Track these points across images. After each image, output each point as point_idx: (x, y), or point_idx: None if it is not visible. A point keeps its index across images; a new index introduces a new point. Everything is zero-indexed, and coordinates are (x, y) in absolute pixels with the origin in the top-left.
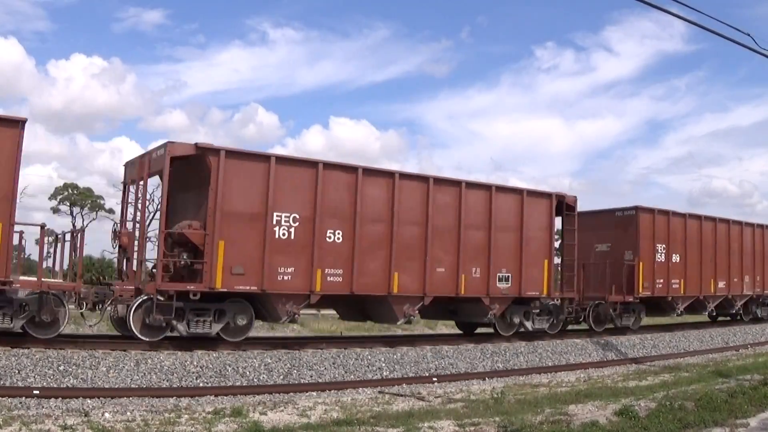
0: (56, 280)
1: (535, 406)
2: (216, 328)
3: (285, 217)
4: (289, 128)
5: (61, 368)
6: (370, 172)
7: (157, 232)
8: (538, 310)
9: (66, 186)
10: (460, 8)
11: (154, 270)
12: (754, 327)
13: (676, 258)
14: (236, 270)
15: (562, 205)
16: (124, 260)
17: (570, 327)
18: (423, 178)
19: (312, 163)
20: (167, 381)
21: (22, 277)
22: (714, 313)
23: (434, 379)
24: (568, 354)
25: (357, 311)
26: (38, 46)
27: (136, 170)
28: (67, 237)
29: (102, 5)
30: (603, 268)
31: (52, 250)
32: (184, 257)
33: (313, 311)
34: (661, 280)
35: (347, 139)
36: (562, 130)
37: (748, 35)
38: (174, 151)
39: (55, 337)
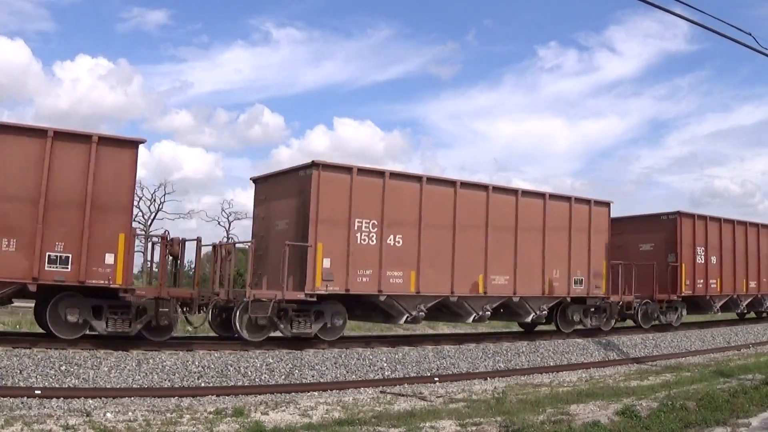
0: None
1: (537, 406)
2: None
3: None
4: (294, 129)
5: (63, 368)
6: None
7: None
8: None
9: None
10: (466, 11)
11: None
12: (755, 326)
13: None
14: None
15: None
16: None
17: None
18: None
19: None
20: (169, 381)
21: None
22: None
23: (436, 378)
24: (569, 354)
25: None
26: (42, 46)
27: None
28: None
29: (106, 5)
30: None
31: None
32: None
33: None
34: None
35: (351, 139)
36: (565, 130)
37: (750, 35)
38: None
39: (57, 337)
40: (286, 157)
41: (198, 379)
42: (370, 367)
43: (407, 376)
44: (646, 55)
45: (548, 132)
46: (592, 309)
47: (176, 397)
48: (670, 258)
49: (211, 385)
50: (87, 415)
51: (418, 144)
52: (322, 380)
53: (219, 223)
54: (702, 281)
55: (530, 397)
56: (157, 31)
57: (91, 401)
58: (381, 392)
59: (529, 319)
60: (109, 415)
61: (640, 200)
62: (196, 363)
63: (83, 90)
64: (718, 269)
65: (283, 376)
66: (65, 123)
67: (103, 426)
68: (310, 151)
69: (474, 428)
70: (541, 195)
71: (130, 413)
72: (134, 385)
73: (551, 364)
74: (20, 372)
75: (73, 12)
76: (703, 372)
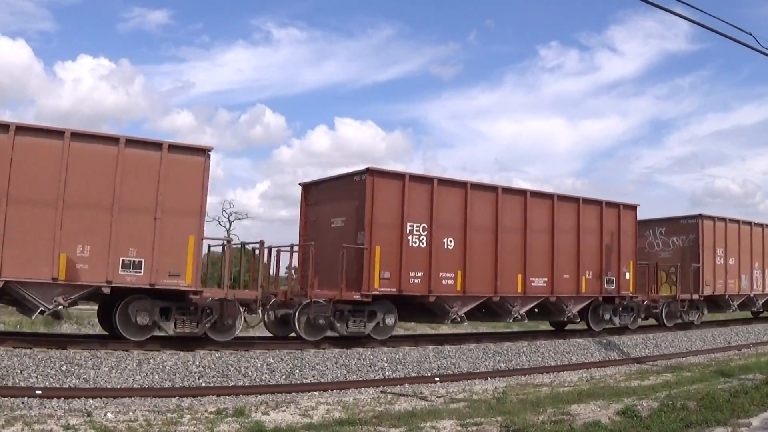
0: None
1: (538, 406)
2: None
3: None
4: (295, 129)
5: (64, 368)
6: None
7: None
8: None
9: None
10: (467, 11)
11: None
12: (756, 326)
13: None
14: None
15: None
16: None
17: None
18: None
19: None
20: (169, 381)
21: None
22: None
23: (436, 378)
24: (570, 354)
25: None
26: (43, 46)
27: None
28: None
29: (107, 5)
30: None
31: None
32: None
33: None
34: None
35: (353, 139)
36: (566, 130)
37: (750, 35)
38: None
39: (57, 336)
40: (288, 158)
41: (198, 379)
42: (370, 367)
43: (408, 376)
44: (647, 54)
45: (549, 132)
46: (180, 308)
47: (177, 397)
48: (360, 238)
49: (212, 385)
50: (88, 415)
51: (420, 144)
52: (322, 380)
53: (219, 223)
54: (421, 274)
55: (531, 397)
56: (158, 31)
57: (91, 401)
58: (382, 392)
59: (34, 316)
60: (109, 415)
61: (640, 200)
62: (197, 363)
63: (85, 90)
64: (459, 257)
65: (283, 376)
66: (67, 123)
67: (104, 426)
68: (311, 151)
69: (475, 428)
70: (58, 134)
71: (130, 413)
72: (135, 385)
73: (552, 364)
74: (21, 372)
75: (75, 12)
76: (703, 372)
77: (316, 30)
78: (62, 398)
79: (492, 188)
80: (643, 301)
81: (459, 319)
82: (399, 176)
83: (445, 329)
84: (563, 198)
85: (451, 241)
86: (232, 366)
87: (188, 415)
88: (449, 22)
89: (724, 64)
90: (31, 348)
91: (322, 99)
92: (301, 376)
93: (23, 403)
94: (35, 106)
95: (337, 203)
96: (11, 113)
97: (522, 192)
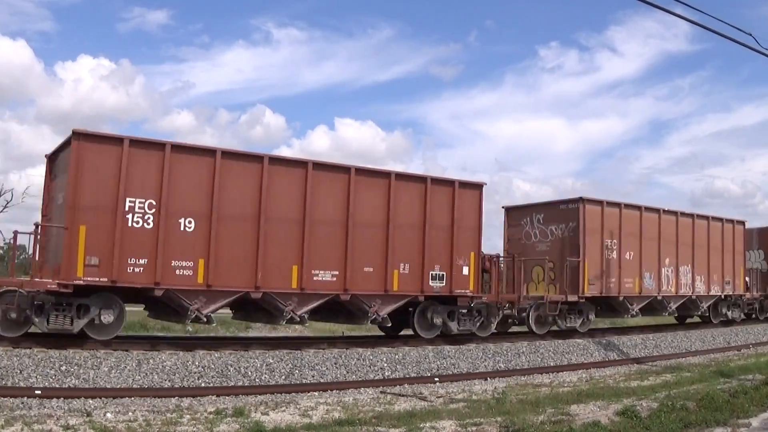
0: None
1: (537, 406)
2: None
3: None
4: (295, 129)
5: (63, 368)
6: None
7: None
8: None
9: None
10: (467, 11)
11: None
12: (756, 327)
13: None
14: None
15: None
16: None
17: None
18: None
19: None
20: (169, 381)
21: None
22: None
23: (436, 379)
24: (569, 354)
25: None
26: (43, 46)
27: None
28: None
29: (106, 5)
30: None
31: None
32: None
33: None
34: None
35: (353, 139)
36: (566, 130)
37: (750, 35)
38: None
39: (57, 336)
40: None
41: (198, 379)
42: (370, 367)
43: (407, 376)
44: (647, 55)
45: (549, 132)
46: None
47: (176, 398)
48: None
49: (212, 385)
50: (87, 415)
51: (420, 144)
52: (322, 380)
53: None
54: (144, 261)
55: (530, 397)
56: (158, 31)
57: (91, 401)
58: (381, 392)
59: None
60: (109, 415)
61: (640, 201)
62: (197, 363)
63: (85, 90)
64: (202, 242)
65: (283, 377)
66: (67, 124)
67: (104, 426)
68: (311, 152)
69: (474, 428)
70: None
71: (130, 413)
72: (134, 385)
73: (551, 364)
74: (20, 372)
75: (75, 12)
76: (703, 372)
77: (316, 30)
78: (62, 398)
79: (256, 158)
80: (503, 304)
81: (205, 319)
82: (116, 141)
83: None
84: (365, 172)
85: (190, 222)
86: (231, 366)
87: (188, 416)
88: (449, 22)
89: (724, 65)
90: (30, 348)
91: (322, 99)
92: (300, 376)
93: (23, 403)
94: (35, 107)
95: (62, 177)
96: (11, 113)
97: (302, 163)
